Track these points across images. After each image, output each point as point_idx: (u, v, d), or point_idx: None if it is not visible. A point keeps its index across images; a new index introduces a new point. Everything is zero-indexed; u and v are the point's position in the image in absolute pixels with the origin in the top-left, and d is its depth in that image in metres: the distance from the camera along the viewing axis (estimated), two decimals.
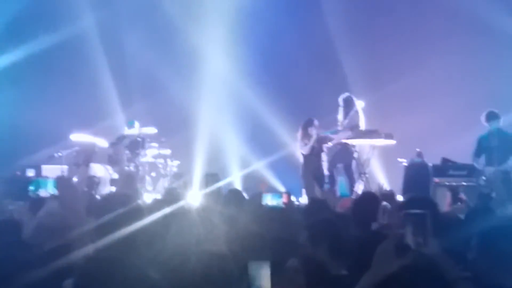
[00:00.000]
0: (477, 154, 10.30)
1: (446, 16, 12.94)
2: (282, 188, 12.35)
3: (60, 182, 6.67)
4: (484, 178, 9.98)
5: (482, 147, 10.28)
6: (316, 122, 11.01)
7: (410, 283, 3.32)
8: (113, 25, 13.61)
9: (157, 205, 6.55)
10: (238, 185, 12.23)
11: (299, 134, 11.04)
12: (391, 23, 13.17)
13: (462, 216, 5.83)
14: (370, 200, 5.93)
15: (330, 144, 11.14)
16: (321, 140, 10.98)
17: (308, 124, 10.98)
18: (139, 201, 6.27)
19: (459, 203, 7.37)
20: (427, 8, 13.09)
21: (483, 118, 10.27)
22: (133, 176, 11.18)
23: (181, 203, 5.66)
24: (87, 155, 11.69)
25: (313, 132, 10.89)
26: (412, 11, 13.15)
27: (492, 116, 10.20)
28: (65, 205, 4.52)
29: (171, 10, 13.18)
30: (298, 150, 11.13)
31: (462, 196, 7.80)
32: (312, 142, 10.87)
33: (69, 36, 13.23)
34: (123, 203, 4.05)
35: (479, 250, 3.57)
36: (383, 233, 4.35)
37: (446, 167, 10.71)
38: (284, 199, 6.26)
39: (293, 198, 11.50)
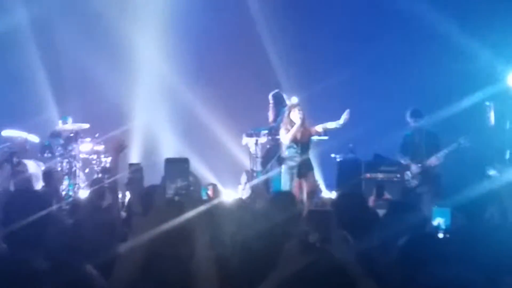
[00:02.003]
0: (402, 150, 10.55)
1: (379, 12, 13.09)
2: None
3: None
4: (409, 173, 10.24)
5: (407, 143, 10.55)
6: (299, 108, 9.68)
7: (314, 280, 3.36)
8: (46, 20, 13.39)
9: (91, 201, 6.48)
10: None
11: (284, 120, 9.87)
12: (322, 19, 13.28)
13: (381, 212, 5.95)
14: (287, 197, 5.98)
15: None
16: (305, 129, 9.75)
17: (292, 107, 9.76)
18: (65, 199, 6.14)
19: (382, 199, 7.51)
20: (360, 4, 13.21)
21: (407, 114, 10.50)
22: (52, 172, 10.98)
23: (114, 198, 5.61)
24: (17, 151, 11.44)
25: (297, 118, 9.71)
26: (344, 6, 13.25)
27: (416, 114, 10.46)
28: None
29: (105, 7, 13.01)
30: (282, 137, 9.91)
31: (387, 195, 7.96)
32: (294, 130, 9.63)
33: (0, 30, 12.97)
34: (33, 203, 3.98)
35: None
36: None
37: (378, 163, 10.94)
38: (209, 191, 6.06)
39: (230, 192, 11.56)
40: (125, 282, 3.15)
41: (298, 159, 9.72)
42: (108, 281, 3.15)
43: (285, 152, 9.92)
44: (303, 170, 9.73)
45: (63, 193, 11.35)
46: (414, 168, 10.27)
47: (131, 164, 4.93)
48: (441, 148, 10.31)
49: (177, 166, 3.14)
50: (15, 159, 8.97)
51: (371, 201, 7.20)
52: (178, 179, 3.13)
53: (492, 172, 8.84)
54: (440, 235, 4.78)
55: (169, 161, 3.17)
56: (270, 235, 3.94)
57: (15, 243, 3.88)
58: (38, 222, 4.01)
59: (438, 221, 5.38)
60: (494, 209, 5.24)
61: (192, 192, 3.17)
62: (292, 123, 9.66)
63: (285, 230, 4.23)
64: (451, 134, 10.96)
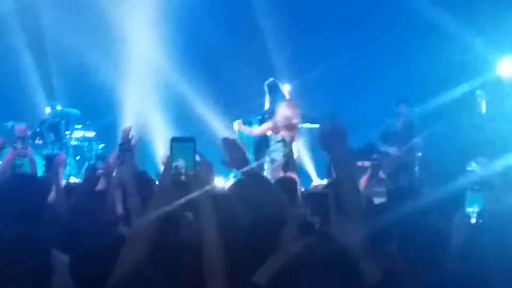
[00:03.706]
0: (383, 138, 10.80)
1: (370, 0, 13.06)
2: None
3: None
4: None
5: (389, 131, 10.80)
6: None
7: (315, 262, 3.37)
8: (34, 5, 13.20)
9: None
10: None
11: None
12: (315, 6, 13.24)
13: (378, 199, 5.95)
14: (289, 182, 6.00)
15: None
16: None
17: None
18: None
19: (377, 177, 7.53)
20: None
21: (394, 103, 10.83)
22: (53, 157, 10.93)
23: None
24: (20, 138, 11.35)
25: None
26: None
27: (401, 101, 10.85)
28: None
29: None
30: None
31: (382, 175, 7.97)
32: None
33: None
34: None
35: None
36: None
37: (370, 151, 10.97)
38: None
39: None
40: (132, 266, 3.12)
41: (283, 155, 9.71)
42: (114, 266, 3.12)
43: (272, 146, 9.87)
44: (288, 165, 9.68)
45: None
46: (393, 152, 10.55)
47: (121, 144, 4.86)
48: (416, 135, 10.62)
49: (183, 145, 3.11)
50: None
51: (363, 181, 7.19)
52: (181, 158, 3.10)
53: (473, 166, 8.89)
54: (473, 221, 4.74)
55: (174, 140, 3.13)
56: (270, 218, 3.94)
57: (10, 228, 3.87)
58: (34, 208, 3.99)
59: (471, 207, 5.29)
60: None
61: (199, 172, 3.13)
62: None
63: (285, 213, 4.24)
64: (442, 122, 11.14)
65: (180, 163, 3.11)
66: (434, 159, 10.64)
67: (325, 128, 3.63)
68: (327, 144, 3.56)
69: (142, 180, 4.72)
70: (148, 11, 12.83)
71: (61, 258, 3.59)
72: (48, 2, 13.19)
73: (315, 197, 3.56)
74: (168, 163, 3.13)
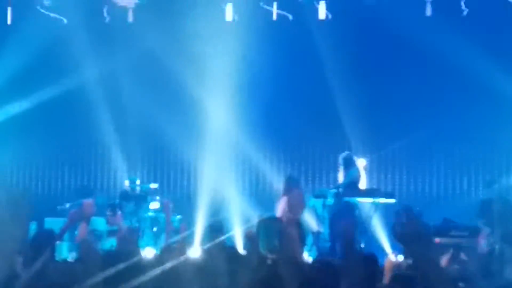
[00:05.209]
0: (481, 215, 10.51)
1: (452, 75, 12.83)
2: None
3: (83, 246, 6.63)
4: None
5: (485, 209, 10.52)
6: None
7: None
8: (114, 78, 13.64)
9: (158, 260, 6.58)
10: (240, 241, 12.19)
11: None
12: (393, 81, 13.17)
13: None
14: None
15: None
16: None
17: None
18: (141, 256, 6.23)
19: (456, 265, 7.36)
20: (432, 65, 12.94)
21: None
22: (134, 231, 11.19)
23: (181, 258, 5.68)
24: (88, 212, 11.64)
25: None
26: (414, 69, 13.07)
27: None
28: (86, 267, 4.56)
29: (173, 65, 13.16)
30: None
31: (463, 256, 7.80)
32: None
33: (71, 91, 13.41)
34: (125, 258, 4.10)
35: None
36: None
37: (447, 228, 10.71)
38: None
39: None
40: None
41: None
42: None
43: None
44: None
45: None
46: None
47: (212, 225, 5.04)
48: None
49: (269, 225, 3.21)
50: None
51: (444, 261, 7.07)
52: (267, 238, 3.19)
53: None
54: None
55: (262, 221, 3.24)
56: None
57: None
58: None
59: None
60: None
61: (285, 251, 3.21)
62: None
63: None
64: None
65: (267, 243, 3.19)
66: None
67: (401, 222, 3.69)
68: (404, 238, 3.64)
69: (229, 253, 4.81)
70: (225, 85, 13.06)
71: None
72: (128, 76, 13.59)
73: (403, 279, 3.54)
74: (255, 241, 3.21)
